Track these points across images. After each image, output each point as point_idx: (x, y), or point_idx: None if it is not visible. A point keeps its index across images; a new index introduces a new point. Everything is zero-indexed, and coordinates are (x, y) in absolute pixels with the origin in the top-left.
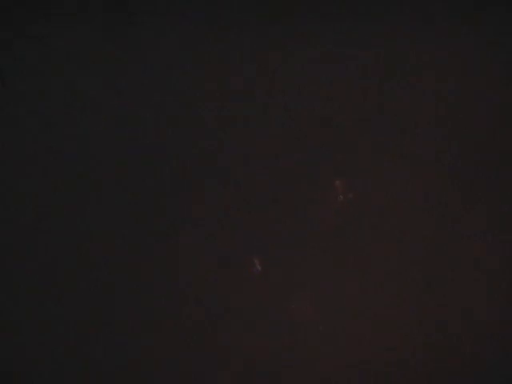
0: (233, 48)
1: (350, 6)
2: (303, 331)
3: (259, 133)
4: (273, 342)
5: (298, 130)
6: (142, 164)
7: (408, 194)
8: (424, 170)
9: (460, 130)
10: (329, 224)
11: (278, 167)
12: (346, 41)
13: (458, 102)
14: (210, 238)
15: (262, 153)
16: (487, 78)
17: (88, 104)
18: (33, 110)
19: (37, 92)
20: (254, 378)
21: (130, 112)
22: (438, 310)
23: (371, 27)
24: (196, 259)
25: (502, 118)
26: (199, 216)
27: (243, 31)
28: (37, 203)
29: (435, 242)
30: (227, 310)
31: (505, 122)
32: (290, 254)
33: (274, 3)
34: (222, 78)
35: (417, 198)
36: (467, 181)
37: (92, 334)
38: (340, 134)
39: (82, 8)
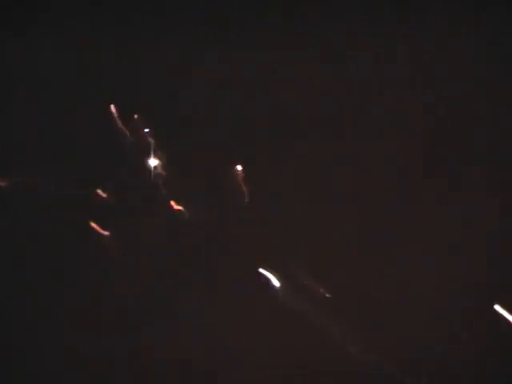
0: (233, 48)
1: (350, 6)
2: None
3: (259, 132)
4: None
5: (297, 129)
6: (139, 162)
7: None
8: (423, 169)
9: (460, 130)
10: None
11: (278, 166)
12: (346, 41)
13: (457, 101)
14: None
15: (261, 152)
16: (487, 78)
17: (87, 103)
18: (33, 110)
19: (37, 91)
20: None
21: (129, 112)
22: None
23: (371, 27)
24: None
25: (502, 117)
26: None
27: (243, 31)
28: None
29: None
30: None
31: (505, 122)
32: None
33: (275, 3)
34: (222, 78)
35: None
36: (469, 180)
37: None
38: (340, 133)
39: (82, 8)
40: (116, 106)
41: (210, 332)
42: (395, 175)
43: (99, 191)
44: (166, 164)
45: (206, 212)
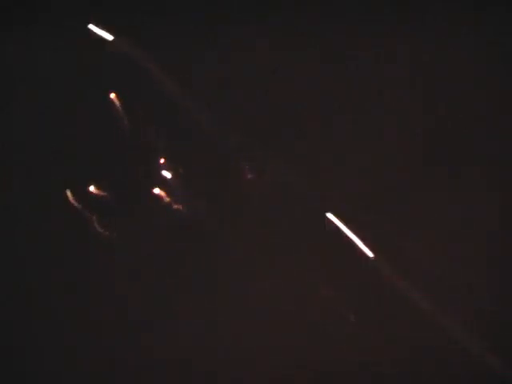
0: (233, 48)
1: (350, 6)
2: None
3: (259, 133)
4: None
5: (297, 129)
6: (138, 164)
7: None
8: (423, 169)
9: (460, 130)
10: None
11: (278, 166)
12: (345, 41)
13: (457, 101)
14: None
15: (261, 152)
16: (487, 78)
17: (87, 103)
18: (33, 110)
19: (37, 91)
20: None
21: (129, 112)
22: None
23: (371, 27)
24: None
25: (502, 117)
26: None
27: (243, 31)
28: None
29: None
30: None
31: (505, 122)
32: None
33: (275, 3)
34: (222, 78)
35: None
36: (469, 180)
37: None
38: (340, 133)
39: (82, 9)
40: (116, 95)
41: (210, 332)
42: (395, 175)
43: (99, 191)
44: (167, 165)
45: (205, 212)
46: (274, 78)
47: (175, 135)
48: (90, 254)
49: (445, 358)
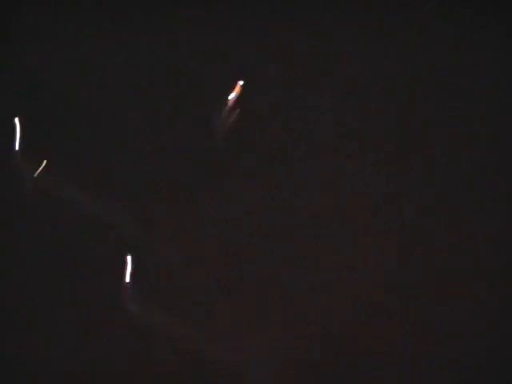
0: (233, 48)
1: (350, 6)
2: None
3: (260, 133)
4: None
5: (297, 129)
6: (139, 162)
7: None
8: (423, 169)
9: (460, 130)
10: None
11: (278, 165)
12: (346, 41)
13: (457, 101)
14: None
15: (261, 152)
16: (487, 78)
17: (88, 104)
18: (34, 110)
19: (37, 92)
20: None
21: (129, 113)
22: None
23: (371, 27)
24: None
25: (502, 118)
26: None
27: (243, 32)
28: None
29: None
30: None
31: (505, 122)
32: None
33: (275, 3)
34: (222, 78)
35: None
36: (469, 180)
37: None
38: (340, 133)
39: (83, 9)
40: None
41: (210, 332)
42: (395, 175)
43: (101, 190)
44: (166, 166)
45: (206, 214)
46: (274, 78)
47: (175, 135)
48: (91, 255)
49: (445, 357)
